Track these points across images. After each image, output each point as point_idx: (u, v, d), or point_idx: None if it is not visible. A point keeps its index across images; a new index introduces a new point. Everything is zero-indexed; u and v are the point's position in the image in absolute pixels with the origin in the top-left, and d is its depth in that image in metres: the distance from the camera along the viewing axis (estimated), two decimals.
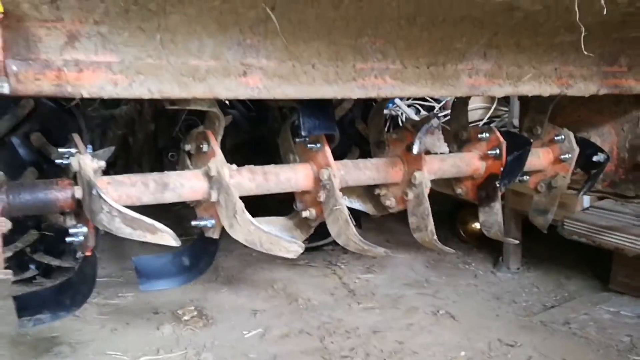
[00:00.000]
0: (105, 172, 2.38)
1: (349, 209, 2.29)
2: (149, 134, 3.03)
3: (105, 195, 1.43)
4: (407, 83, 1.70)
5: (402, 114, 3.78)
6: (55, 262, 2.61)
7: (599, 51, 2.03)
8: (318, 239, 3.07)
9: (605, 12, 1.43)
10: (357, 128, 2.91)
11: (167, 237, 1.53)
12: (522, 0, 1.44)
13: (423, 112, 3.84)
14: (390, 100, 3.80)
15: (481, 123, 3.52)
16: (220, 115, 1.74)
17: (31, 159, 2.47)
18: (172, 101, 1.61)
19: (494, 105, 3.55)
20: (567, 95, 1.98)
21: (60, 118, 2.44)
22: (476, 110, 3.59)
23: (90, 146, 1.62)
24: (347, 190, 2.22)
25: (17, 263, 2.62)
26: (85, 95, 1.30)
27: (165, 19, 1.35)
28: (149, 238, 1.52)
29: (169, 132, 3.00)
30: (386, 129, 3.00)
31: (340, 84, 1.61)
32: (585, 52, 1.46)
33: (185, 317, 2.58)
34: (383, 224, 3.70)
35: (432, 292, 2.92)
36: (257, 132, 3.13)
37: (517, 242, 2.73)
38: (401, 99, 3.74)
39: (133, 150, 3.05)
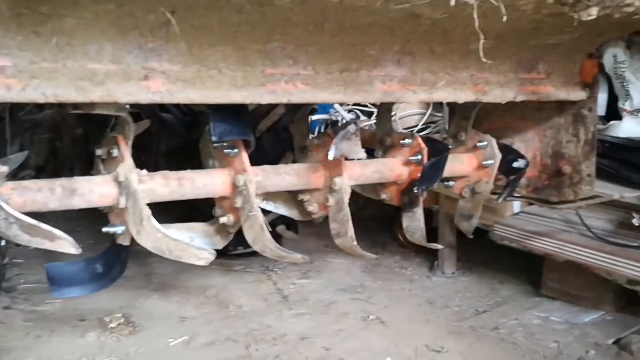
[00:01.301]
0: (36, 176, 2.30)
1: (284, 215, 2.30)
2: (76, 138, 2.96)
3: (2, 201, 1.39)
4: (319, 89, 1.69)
5: (342, 119, 3.80)
6: None
7: (516, 58, 2.06)
8: None
9: (505, 20, 1.45)
10: (291, 133, 2.90)
11: (66, 244, 1.49)
12: (423, 8, 1.44)
13: (363, 117, 3.86)
14: (329, 105, 3.81)
15: (416, 129, 3.56)
16: (130, 119, 1.72)
17: None
18: (75, 105, 1.57)
19: (429, 111, 3.60)
20: (483, 101, 2.01)
21: None
22: (412, 116, 3.63)
23: None
24: (272, 196, 2.21)
25: None
26: None
27: (61, 22, 1.32)
28: (47, 245, 1.49)
29: (99, 136, 2.93)
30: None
31: (248, 88, 1.59)
32: (485, 60, 1.48)
33: (112, 325, 2.53)
34: (324, 228, 3.69)
35: (365, 297, 2.93)
36: (192, 136, 3.09)
37: (441, 247, 2.75)
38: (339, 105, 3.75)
39: (60, 154, 2.98)
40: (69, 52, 1.37)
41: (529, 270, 3.29)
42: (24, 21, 1.27)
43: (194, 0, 1.36)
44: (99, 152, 1.81)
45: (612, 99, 3.12)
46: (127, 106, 1.66)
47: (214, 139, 1.73)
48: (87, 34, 1.37)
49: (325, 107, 3.86)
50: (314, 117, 3.81)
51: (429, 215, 3.43)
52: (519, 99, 2.10)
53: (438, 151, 2.07)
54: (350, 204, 1.93)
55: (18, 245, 1.61)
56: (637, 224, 2.61)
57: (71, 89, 1.38)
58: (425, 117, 3.59)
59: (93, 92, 1.41)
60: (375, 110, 3.81)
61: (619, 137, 2.91)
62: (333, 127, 3.60)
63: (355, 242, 2.00)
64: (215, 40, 1.51)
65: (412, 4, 1.38)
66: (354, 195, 2.34)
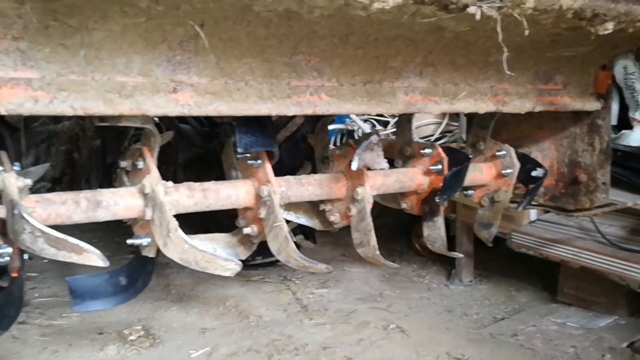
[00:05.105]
0: (51, 188, 2.29)
1: (302, 224, 2.30)
2: (94, 149, 2.98)
3: (27, 214, 1.39)
4: (343, 100, 1.70)
5: (358, 129, 3.81)
6: None
7: (534, 69, 2.08)
8: (273, 255, 3.06)
9: (527, 33, 1.46)
10: (309, 143, 2.91)
11: (93, 257, 1.49)
12: (448, 21, 1.45)
13: (379, 127, 3.87)
14: (346, 115, 3.83)
15: (433, 138, 3.57)
16: (155, 131, 1.73)
17: None
18: (102, 118, 1.58)
19: (445, 121, 3.61)
20: (503, 112, 2.02)
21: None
22: (428, 125, 3.65)
23: (18, 163, 1.59)
24: (294, 206, 2.21)
25: None
26: (3, 112, 1.27)
27: (89, 35, 1.33)
28: (74, 259, 1.48)
29: (117, 148, 2.95)
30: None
31: (274, 100, 1.61)
32: (508, 72, 1.49)
33: (132, 337, 2.53)
34: (341, 238, 3.71)
35: (384, 306, 2.92)
36: (210, 147, 3.11)
37: (462, 255, 2.75)
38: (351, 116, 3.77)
39: (78, 165, 3.00)
40: (97, 65, 1.39)
41: (544, 277, 3.29)
42: (52, 33, 1.29)
43: (223, 14, 1.38)
44: (123, 164, 1.81)
45: (623, 109, 3.16)
46: (156, 118, 1.67)
47: (239, 150, 1.74)
48: (115, 47, 1.38)
49: (341, 118, 3.88)
50: (330, 127, 3.82)
51: (446, 224, 3.44)
52: (538, 109, 2.12)
53: (458, 161, 2.08)
54: None
55: (30, 258, 1.61)
56: None
57: (100, 101, 1.40)
58: (442, 126, 3.60)
59: (122, 105, 1.42)
60: (391, 120, 3.84)
61: (630, 146, 2.93)
62: (353, 138, 3.63)
63: (378, 252, 2.00)
64: (243, 53, 1.52)
65: (438, 18, 1.39)
66: None
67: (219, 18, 1.39)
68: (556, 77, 2.18)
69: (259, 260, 3.10)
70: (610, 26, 1.63)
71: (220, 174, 2.11)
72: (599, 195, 2.43)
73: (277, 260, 3.20)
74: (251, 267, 3.26)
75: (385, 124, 3.87)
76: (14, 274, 1.55)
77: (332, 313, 2.82)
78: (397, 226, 3.85)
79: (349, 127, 3.87)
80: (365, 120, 3.89)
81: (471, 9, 1.35)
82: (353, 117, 3.80)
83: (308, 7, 1.30)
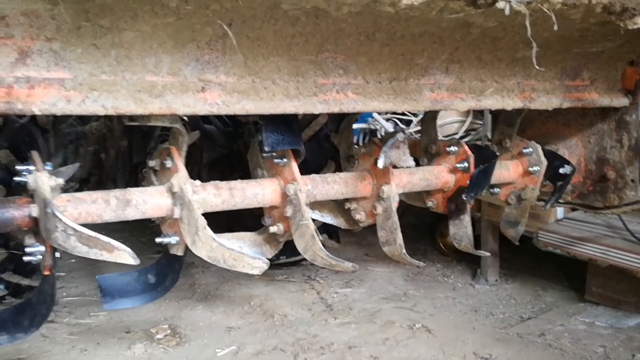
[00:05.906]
0: (80, 188, 2.32)
1: (326, 224, 2.31)
2: (121, 150, 3.02)
3: (59, 213, 1.41)
4: (369, 98, 1.70)
5: (380, 128, 3.80)
6: (25, 282, 2.57)
7: (561, 65, 2.05)
8: (298, 254, 3.06)
9: (556, 28, 1.44)
10: (333, 142, 2.91)
11: (125, 255, 1.51)
12: (476, 17, 1.44)
13: (401, 126, 3.86)
14: (368, 114, 3.82)
15: (457, 136, 3.55)
16: (184, 131, 1.74)
17: None
18: (131, 117, 1.60)
19: (469, 119, 3.58)
20: (531, 108, 2.00)
21: (30, 135, 2.41)
22: (452, 124, 3.62)
23: (49, 163, 1.61)
24: (319, 205, 2.21)
25: None
26: (37, 111, 1.29)
27: (119, 35, 1.35)
28: (105, 257, 1.50)
29: (143, 148, 2.99)
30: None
31: (301, 99, 1.61)
32: (537, 67, 1.47)
33: (158, 336, 2.55)
34: (364, 237, 3.71)
35: (409, 306, 2.91)
36: (234, 146, 3.13)
37: (488, 254, 2.73)
38: (378, 113, 3.76)
39: (105, 166, 3.04)
40: (127, 65, 1.40)
41: (571, 276, 3.25)
42: (83, 34, 1.31)
43: (251, 13, 1.38)
44: (151, 163, 1.83)
45: None
46: (186, 118, 1.68)
47: (266, 149, 1.75)
48: (145, 47, 1.40)
49: (363, 116, 3.88)
50: (353, 126, 3.82)
51: (471, 223, 3.42)
52: (565, 105, 2.09)
53: (485, 158, 2.06)
54: None
55: (59, 257, 1.64)
56: None
57: (130, 101, 1.41)
58: (466, 124, 3.57)
59: (152, 104, 1.44)
60: (414, 118, 3.82)
61: None
62: (377, 136, 3.62)
63: (404, 250, 1.99)
64: (270, 52, 1.53)
65: (466, 13, 1.38)
66: None
67: (247, 17, 1.40)
68: (583, 73, 2.15)
69: (283, 259, 3.11)
70: (639, 20, 1.61)
71: (244, 174, 2.12)
72: (627, 192, 2.39)
73: (301, 260, 3.25)
74: (275, 266, 3.28)
75: (408, 123, 3.85)
76: (46, 272, 1.57)
77: (357, 312, 2.82)
78: (420, 225, 3.84)
79: (372, 126, 3.86)
80: (387, 119, 3.88)
81: (500, 4, 1.34)
82: (376, 115, 3.79)
83: (336, 4, 1.30)
